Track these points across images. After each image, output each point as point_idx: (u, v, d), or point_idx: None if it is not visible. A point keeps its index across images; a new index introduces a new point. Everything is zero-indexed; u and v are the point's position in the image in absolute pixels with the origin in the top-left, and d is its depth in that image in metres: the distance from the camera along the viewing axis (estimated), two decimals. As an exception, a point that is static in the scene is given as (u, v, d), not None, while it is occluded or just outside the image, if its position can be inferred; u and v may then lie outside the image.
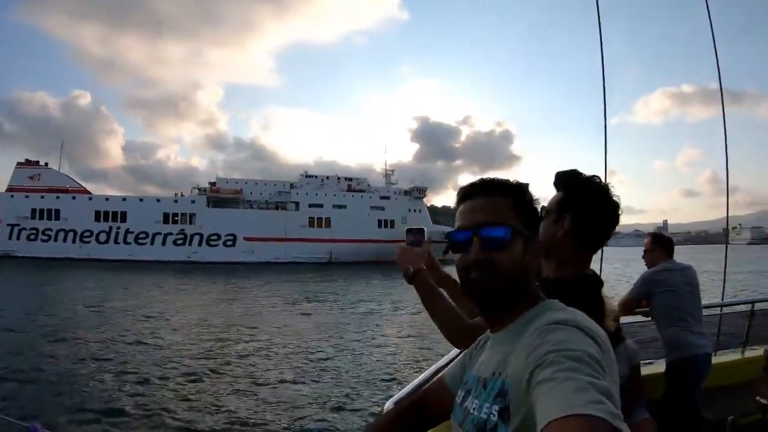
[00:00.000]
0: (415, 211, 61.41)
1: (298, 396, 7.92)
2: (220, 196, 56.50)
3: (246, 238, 54.01)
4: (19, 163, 56.06)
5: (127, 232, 52.78)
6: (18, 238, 51.94)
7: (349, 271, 40.21)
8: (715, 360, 3.30)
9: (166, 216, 53.89)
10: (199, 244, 53.93)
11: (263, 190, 58.91)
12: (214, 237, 54.06)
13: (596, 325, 0.76)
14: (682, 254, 3.08)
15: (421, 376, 1.38)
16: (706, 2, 4.56)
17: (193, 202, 55.43)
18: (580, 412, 0.59)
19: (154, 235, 53.15)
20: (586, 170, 1.35)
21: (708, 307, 3.71)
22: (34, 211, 52.38)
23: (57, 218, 52.36)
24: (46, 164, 57.07)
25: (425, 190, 64.37)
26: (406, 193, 62.58)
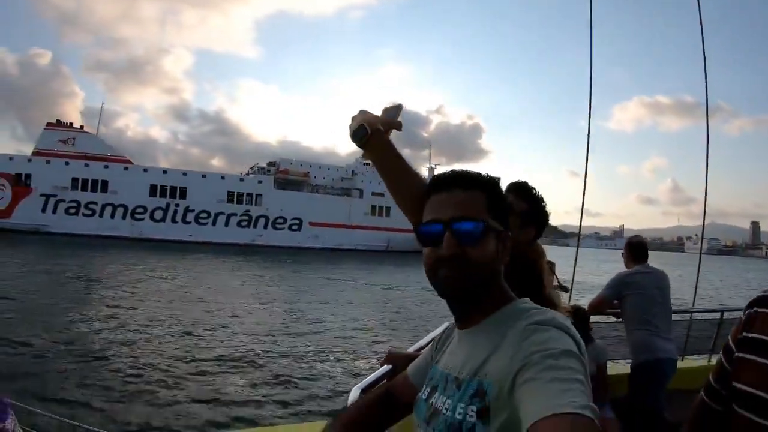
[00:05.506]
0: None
1: (256, 374, 8.26)
2: (288, 177, 53.24)
3: (311, 223, 51.50)
4: (49, 124, 48.97)
5: (187, 210, 48.05)
6: (54, 211, 45.43)
7: (404, 259, 40.46)
8: (682, 364, 3.33)
9: (230, 195, 49.76)
10: (264, 227, 50.46)
11: (327, 175, 56.39)
12: (280, 220, 50.88)
13: (571, 324, 0.78)
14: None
15: (386, 366, 1.37)
16: (700, 18, 4.52)
17: (260, 182, 51.72)
18: (565, 411, 0.61)
19: (217, 214, 48.85)
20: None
21: (678, 312, 3.81)
22: (75, 180, 46.08)
23: (104, 190, 46.48)
24: (81, 127, 50.55)
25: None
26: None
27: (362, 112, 1.16)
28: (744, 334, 1.02)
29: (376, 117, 1.17)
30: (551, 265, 1.61)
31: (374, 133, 1.12)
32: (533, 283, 1.29)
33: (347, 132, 1.11)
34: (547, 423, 0.61)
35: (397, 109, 1.21)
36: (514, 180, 1.66)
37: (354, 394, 1.23)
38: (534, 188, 1.61)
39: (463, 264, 0.83)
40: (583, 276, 25.21)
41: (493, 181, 0.89)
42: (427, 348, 1.05)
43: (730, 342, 1.07)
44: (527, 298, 0.89)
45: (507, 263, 0.88)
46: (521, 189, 1.61)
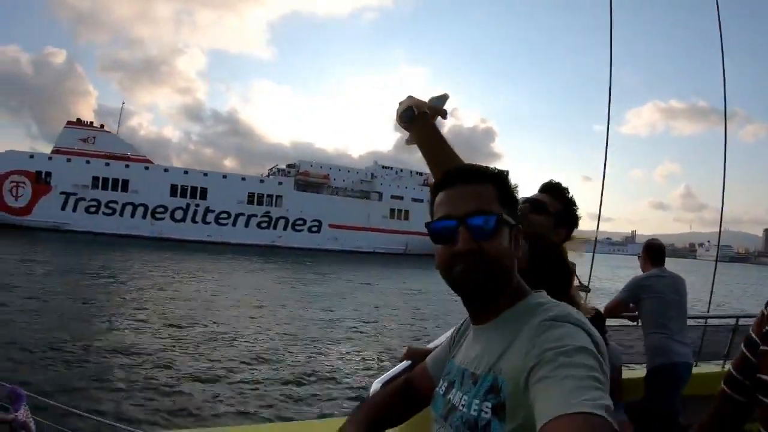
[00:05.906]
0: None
1: (282, 374, 8.43)
2: (308, 179, 52.84)
3: (331, 225, 51.03)
4: (69, 122, 48.88)
5: (207, 210, 47.67)
6: (74, 209, 45.30)
7: (422, 262, 39.97)
8: (696, 370, 3.38)
9: (250, 196, 49.31)
10: (284, 228, 49.98)
11: (346, 177, 55.89)
12: (300, 222, 50.46)
13: (588, 321, 0.77)
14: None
15: (405, 361, 1.37)
16: (719, 22, 4.42)
17: (280, 183, 51.33)
18: (579, 410, 0.59)
19: (237, 215, 48.44)
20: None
21: (693, 317, 3.88)
22: (95, 179, 45.84)
23: (125, 189, 46.22)
24: (102, 126, 50.36)
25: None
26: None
27: (410, 97, 1.22)
28: (767, 328, 1.06)
29: (423, 102, 1.22)
30: (572, 265, 1.63)
31: (420, 115, 1.19)
32: (563, 283, 1.26)
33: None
34: (560, 423, 0.59)
35: (444, 98, 1.24)
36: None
37: (374, 387, 1.24)
38: (567, 189, 1.58)
39: (479, 259, 0.80)
40: (599, 282, 24.51)
41: (503, 174, 0.88)
42: (445, 341, 1.04)
43: (754, 336, 1.09)
44: (543, 291, 0.86)
45: (519, 257, 0.85)
46: (556, 189, 1.57)
